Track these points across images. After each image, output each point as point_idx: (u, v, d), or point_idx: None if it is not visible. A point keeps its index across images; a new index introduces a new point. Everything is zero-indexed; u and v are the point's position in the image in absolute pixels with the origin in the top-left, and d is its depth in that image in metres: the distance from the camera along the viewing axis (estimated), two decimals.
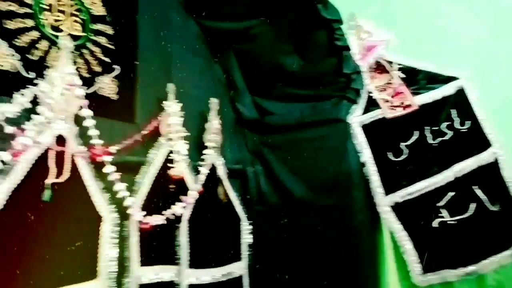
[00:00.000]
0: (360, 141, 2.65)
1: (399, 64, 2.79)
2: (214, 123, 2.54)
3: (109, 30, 2.03)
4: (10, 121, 1.49)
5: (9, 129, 1.46)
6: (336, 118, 2.68)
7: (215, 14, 2.69)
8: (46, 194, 1.55)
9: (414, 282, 2.52)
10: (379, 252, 2.62)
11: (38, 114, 1.56)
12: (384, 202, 2.57)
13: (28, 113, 1.57)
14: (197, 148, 2.48)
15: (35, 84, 1.60)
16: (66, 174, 1.62)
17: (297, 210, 2.72)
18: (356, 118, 2.70)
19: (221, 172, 2.57)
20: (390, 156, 2.60)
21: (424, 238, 2.49)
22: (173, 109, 2.23)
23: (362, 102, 2.74)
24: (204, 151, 2.47)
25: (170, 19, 2.53)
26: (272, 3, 2.62)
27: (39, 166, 1.55)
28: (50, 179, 1.57)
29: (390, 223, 2.55)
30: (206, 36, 2.80)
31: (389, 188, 2.57)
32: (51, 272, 1.55)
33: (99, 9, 2.00)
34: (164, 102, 2.23)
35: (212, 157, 2.50)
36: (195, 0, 2.64)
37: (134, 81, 2.17)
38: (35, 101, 1.58)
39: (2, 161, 1.41)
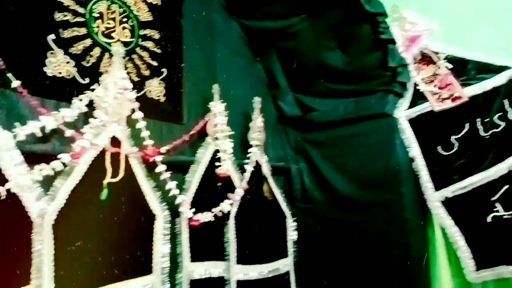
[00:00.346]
0: (408, 135, 2.59)
1: (446, 54, 2.70)
2: (257, 122, 2.57)
3: (155, 34, 2.11)
4: (69, 125, 1.58)
5: (68, 132, 1.55)
6: (381, 113, 2.63)
7: (257, 14, 2.72)
8: (104, 193, 1.63)
9: (467, 279, 2.44)
10: (430, 248, 2.56)
11: (94, 117, 1.64)
12: (434, 198, 2.51)
13: (85, 117, 1.66)
14: (241, 147, 2.53)
15: (91, 90, 1.68)
16: (121, 174, 1.70)
17: (342, 206, 2.70)
18: (403, 112, 2.64)
19: (266, 169, 2.60)
20: (440, 150, 2.53)
21: (477, 234, 2.41)
22: (218, 109, 2.29)
23: (409, 95, 2.68)
24: (249, 150, 2.52)
25: (213, 21, 2.58)
26: (313, 0, 2.61)
27: (96, 166, 1.63)
28: (107, 179, 1.65)
29: (441, 218, 2.49)
30: (248, 36, 2.84)
31: (440, 183, 2.50)
32: (109, 267, 1.63)
33: (146, 15, 2.08)
34: (209, 102, 2.28)
35: (257, 155, 2.54)
36: (237, 1, 2.68)
37: (180, 83, 2.24)
38: (91, 105, 1.67)
39: (63, 163, 1.50)
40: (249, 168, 2.46)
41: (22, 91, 1.45)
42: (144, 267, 1.77)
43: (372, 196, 2.59)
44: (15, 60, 1.48)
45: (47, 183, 1.48)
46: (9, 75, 1.42)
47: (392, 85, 2.66)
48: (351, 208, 2.65)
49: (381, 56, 2.64)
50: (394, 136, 2.58)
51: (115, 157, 1.70)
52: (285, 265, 2.61)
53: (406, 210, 2.47)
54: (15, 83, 1.43)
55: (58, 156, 1.49)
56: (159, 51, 2.12)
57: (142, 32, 2.03)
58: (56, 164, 1.47)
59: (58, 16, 1.69)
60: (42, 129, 1.48)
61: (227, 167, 2.27)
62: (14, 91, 1.45)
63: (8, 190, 1.33)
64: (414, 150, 2.57)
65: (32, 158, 1.43)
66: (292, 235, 2.72)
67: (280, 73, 2.95)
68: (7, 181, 1.33)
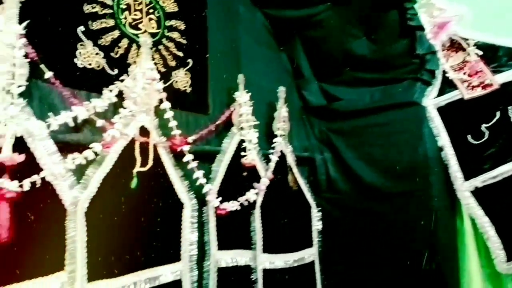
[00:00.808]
0: (437, 124, 2.54)
1: (476, 41, 2.63)
2: (282, 112, 2.56)
3: (181, 25, 2.12)
4: (99, 115, 1.61)
5: (99, 122, 1.59)
6: (409, 101, 2.58)
7: (281, 3, 2.70)
8: (134, 182, 1.66)
9: (497, 270, 2.39)
10: (459, 239, 2.51)
11: (123, 108, 1.67)
12: (464, 187, 2.45)
13: (114, 107, 1.69)
14: (266, 137, 2.53)
15: (120, 80, 1.71)
16: (150, 163, 1.73)
17: (368, 196, 2.67)
18: (432, 100, 2.58)
19: (290, 159, 2.60)
20: (470, 139, 2.47)
21: (508, 224, 2.35)
22: (243, 99, 2.29)
23: (437, 83, 2.62)
24: (273, 140, 2.52)
25: (237, 11, 2.58)
26: None
27: (126, 156, 1.66)
28: (137, 168, 1.68)
29: (471, 209, 2.43)
30: (272, 25, 2.83)
31: (469, 172, 2.44)
32: (139, 254, 1.67)
33: (171, 6, 2.09)
34: (234, 92, 2.29)
35: (281, 145, 2.54)
36: None
37: (205, 74, 2.25)
38: (120, 96, 1.69)
39: (95, 152, 1.54)
40: (274, 158, 2.46)
41: (54, 82, 1.48)
42: (172, 255, 1.81)
43: (399, 186, 2.56)
44: (47, 52, 1.51)
45: (79, 172, 1.51)
46: (42, 66, 1.45)
47: (420, 73, 2.60)
48: (377, 198, 2.62)
49: (409, 43, 2.59)
50: (422, 125, 2.53)
51: (144, 147, 1.73)
52: (310, 254, 2.62)
53: (435, 200, 2.43)
54: (48, 74, 1.47)
55: (90, 146, 1.52)
56: (184, 41, 2.13)
57: (168, 23, 2.05)
58: (88, 153, 1.51)
59: (87, 8, 1.72)
60: (74, 119, 1.51)
61: (252, 157, 2.28)
62: (47, 82, 1.49)
63: (42, 179, 1.37)
64: (443, 139, 2.52)
65: (64, 148, 1.46)
66: (316, 225, 2.72)
67: (304, 62, 2.93)
68: (41, 170, 1.37)
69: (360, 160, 2.72)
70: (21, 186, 1.29)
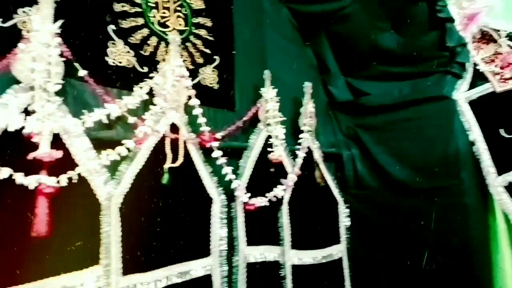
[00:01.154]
0: (468, 118, 2.47)
1: (508, 32, 2.54)
2: (308, 107, 2.55)
3: (208, 22, 2.13)
4: (131, 112, 1.64)
5: (132, 119, 1.61)
6: (439, 95, 2.52)
7: None
8: (165, 178, 1.69)
9: None
10: (491, 235, 2.45)
11: (154, 105, 1.69)
12: (497, 183, 2.38)
13: (144, 105, 1.71)
14: (293, 133, 2.52)
15: (150, 78, 1.73)
16: (180, 159, 1.75)
17: (397, 192, 2.63)
18: (462, 94, 2.52)
19: (317, 155, 2.59)
20: (503, 133, 2.39)
21: None
22: (269, 95, 2.29)
23: (468, 76, 2.55)
24: (300, 135, 2.51)
25: (263, 7, 2.58)
26: None
27: (157, 152, 1.69)
28: (168, 164, 1.70)
29: (504, 204, 2.36)
30: (297, 20, 2.81)
31: (503, 167, 2.37)
32: (170, 248, 1.69)
33: (198, 3, 2.10)
34: (260, 88, 2.29)
35: (308, 140, 2.52)
36: None
37: (232, 70, 2.25)
38: (150, 93, 1.72)
39: (128, 148, 1.57)
40: (301, 154, 2.45)
41: (88, 80, 1.51)
42: (202, 250, 1.83)
43: (429, 181, 2.50)
44: (80, 51, 1.54)
45: (112, 168, 1.55)
46: (76, 65, 1.49)
47: (450, 66, 2.54)
48: (407, 194, 2.57)
49: (438, 35, 2.52)
50: (453, 119, 2.47)
51: (174, 143, 1.75)
52: (338, 251, 2.60)
53: (466, 196, 2.36)
54: (82, 73, 1.50)
55: (123, 142, 1.55)
56: (211, 38, 2.14)
57: (195, 20, 2.06)
58: (121, 150, 1.54)
59: (117, 7, 1.75)
60: (107, 116, 1.54)
61: (279, 153, 2.28)
62: (80, 81, 1.52)
63: (78, 174, 1.40)
64: (475, 133, 2.45)
65: (98, 144, 1.50)
66: (344, 221, 2.70)
67: (330, 57, 2.91)
68: (77, 165, 1.41)
69: (388, 155, 2.68)
70: (58, 181, 1.33)
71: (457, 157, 2.41)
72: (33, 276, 1.27)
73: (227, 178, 2.00)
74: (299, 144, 2.48)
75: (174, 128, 1.77)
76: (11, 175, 1.23)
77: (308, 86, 2.56)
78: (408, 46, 2.61)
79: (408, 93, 2.66)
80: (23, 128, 1.28)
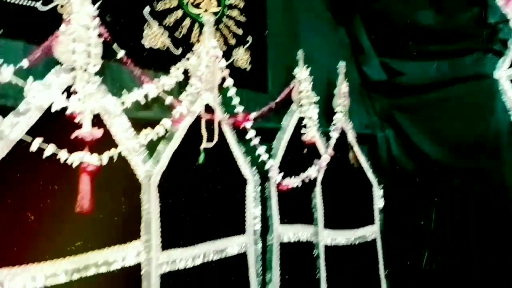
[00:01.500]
0: (510, 97, 2.37)
1: None
2: (342, 88, 2.52)
3: (240, 3, 2.12)
4: (167, 93, 1.67)
5: (168, 100, 1.64)
6: (479, 74, 2.43)
7: None
8: (201, 158, 1.72)
9: None
10: None
11: (189, 86, 1.72)
12: None
13: (179, 86, 1.74)
14: (326, 114, 2.50)
15: (185, 59, 1.75)
16: (215, 140, 1.77)
17: (433, 174, 2.57)
18: (504, 72, 2.41)
19: (351, 136, 2.56)
20: None
21: None
22: (302, 76, 2.27)
23: (510, 54, 2.43)
24: (334, 117, 2.48)
25: None
26: None
27: (193, 133, 1.71)
28: (203, 144, 1.73)
29: None
30: (332, 0, 2.76)
31: None
32: (207, 225, 1.74)
33: None
34: (293, 69, 2.27)
35: (342, 121, 2.50)
36: None
37: (265, 51, 2.24)
38: (185, 75, 1.74)
39: (165, 129, 1.60)
40: (334, 135, 2.43)
41: (126, 61, 1.55)
42: (238, 228, 1.86)
43: (468, 163, 2.44)
44: (117, 33, 1.57)
45: (150, 147, 1.58)
46: (115, 46, 1.52)
47: (491, 44, 2.43)
48: (444, 176, 2.51)
49: (479, 12, 2.42)
50: (494, 99, 2.38)
51: (209, 124, 1.77)
52: (372, 232, 2.59)
53: (508, 178, 2.29)
54: (120, 54, 1.53)
55: (160, 122, 1.58)
56: (244, 19, 2.13)
57: (227, 1, 2.06)
58: (159, 129, 1.57)
59: None
60: (145, 97, 1.57)
61: (312, 134, 2.27)
62: (118, 62, 1.55)
63: (118, 154, 1.45)
64: None
65: (137, 124, 1.53)
66: (378, 203, 2.68)
67: (364, 37, 2.84)
68: (117, 145, 1.45)
69: (425, 136, 2.62)
70: (99, 160, 1.37)
71: (497, 138, 2.33)
72: (78, 250, 1.32)
73: (260, 159, 2.01)
74: (333, 125, 2.46)
75: (208, 109, 1.79)
76: (55, 153, 1.28)
77: (342, 66, 2.52)
78: (447, 23, 2.52)
79: (446, 72, 2.58)
80: (65, 108, 1.32)
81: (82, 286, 1.33)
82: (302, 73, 2.27)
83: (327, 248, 2.27)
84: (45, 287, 1.24)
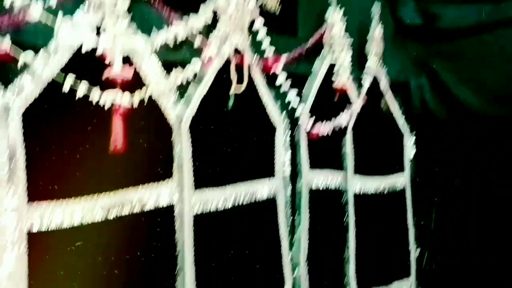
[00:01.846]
0: None
1: None
2: (376, 32, 2.41)
3: None
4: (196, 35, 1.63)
5: (197, 42, 1.61)
6: None
7: None
8: (230, 102, 1.70)
9: None
10: None
11: (218, 28, 1.67)
12: None
13: (208, 29, 1.69)
14: (358, 59, 2.41)
15: (213, 0, 1.69)
16: (244, 84, 1.74)
17: (470, 123, 2.48)
18: None
19: (383, 84, 2.48)
20: None
21: None
22: (335, 19, 2.17)
23: None
24: (366, 62, 2.39)
25: None
26: None
27: (222, 76, 1.69)
28: (233, 88, 1.71)
29: None
30: None
31: None
32: (237, 169, 1.76)
33: None
34: (325, 13, 2.17)
35: (375, 67, 2.41)
36: None
37: None
38: (215, 16, 1.69)
39: (195, 71, 1.58)
40: (367, 81, 2.36)
41: (155, 1, 1.51)
42: (267, 172, 1.87)
43: (504, 111, 2.33)
44: None
45: (180, 90, 1.58)
46: None
47: None
48: (481, 126, 2.42)
49: None
50: None
51: (239, 67, 1.74)
52: (402, 181, 2.56)
53: None
54: None
55: (190, 65, 1.56)
56: None
57: None
58: (188, 72, 1.56)
59: None
60: (174, 38, 1.54)
61: (343, 80, 2.20)
62: (147, 2, 1.52)
63: (149, 96, 1.44)
64: None
65: (166, 66, 1.52)
66: (409, 152, 2.63)
67: None
68: (147, 86, 1.44)
69: (462, 84, 2.51)
70: (130, 101, 1.38)
71: None
72: (113, 187, 1.36)
73: (290, 104, 1.98)
74: (365, 71, 2.38)
75: (238, 53, 1.75)
76: (87, 95, 1.29)
77: (376, 9, 2.40)
78: None
79: (489, 16, 2.40)
80: (95, 49, 1.31)
81: (117, 225, 1.38)
82: (334, 16, 2.17)
83: (356, 196, 2.26)
84: (81, 225, 1.29)
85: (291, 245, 1.98)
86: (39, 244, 1.21)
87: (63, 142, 1.28)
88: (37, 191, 1.20)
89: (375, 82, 2.42)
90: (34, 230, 1.19)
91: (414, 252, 2.60)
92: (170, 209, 1.51)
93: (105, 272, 1.37)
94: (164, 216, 1.50)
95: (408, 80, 2.78)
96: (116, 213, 1.37)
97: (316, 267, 2.05)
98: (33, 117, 1.20)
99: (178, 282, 1.52)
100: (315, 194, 2.09)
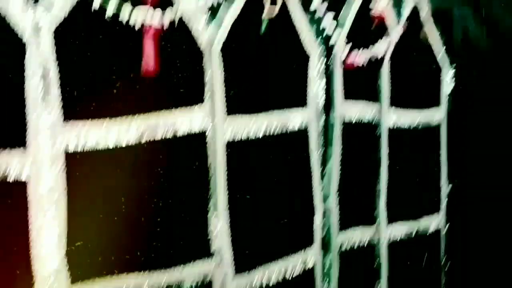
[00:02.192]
0: None
1: None
2: None
3: None
4: None
5: None
6: None
7: None
8: (263, 27, 1.63)
9: None
10: None
11: None
12: None
13: None
14: None
15: None
16: (278, 6, 1.65)
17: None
18: None
19: (424, 11, 2.32)
20: None
21: None
22: None
23: None
24: None
25: None
26: None
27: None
28: (265, 13, 1.62)
29: None
30: None
31: None
32: (270, 95, 1.72)
33: None
34: None
35: None
36: None
37: None
38: None
39: None
40: (407, 8, 2.21)
41: None
42: (300, 101, 1.83)
43: None
44: None
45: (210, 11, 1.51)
46: None
47: None
48: None
49: None
50: None
51: None
52: (438, 116, 2.46)
53: None
54: None
55: None
56: None
57: None
58: None
59: None
60: None
61: (382, 7, 2.07)
62: None
63: (180, 19, 1.38)
64: None
65: None
66: (447, 86, 2.51)
67: None
68: (178, 6, 1.38)
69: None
70: (161, 21, 1.32)
71: None
72: (146, 110, 1.35)
73: (325, 32, 1.89)
74: None
75: None
76: (117, 14, 1.25)
77: None
78: None
79: None
80: None
81: (151, 149, 1.38)
82: None
83: (390, 130, 2.20)
84: (116, 147, 1.30)
85: (322, 176, 1.97)
86: (76, 163, 1.22)
87: (95, 63, 1.26)
88: (72, 110, 1.20)
89: (415, 10, 2.27)
90: (70, 149, 1.21)
91: (445, 188, 2.56)
92: (202, 134, 1.50)
93: (138, 195, 1.39)
94: (196, 141, 1.49)
95: (451, 9, 2.59)
96: (150, 136, 1.37)
97: (346, 199, 2.04)
98: (64, 37, 1.18)
99: (210, 206, 1.54)
100: (348, 126, 2.03)
